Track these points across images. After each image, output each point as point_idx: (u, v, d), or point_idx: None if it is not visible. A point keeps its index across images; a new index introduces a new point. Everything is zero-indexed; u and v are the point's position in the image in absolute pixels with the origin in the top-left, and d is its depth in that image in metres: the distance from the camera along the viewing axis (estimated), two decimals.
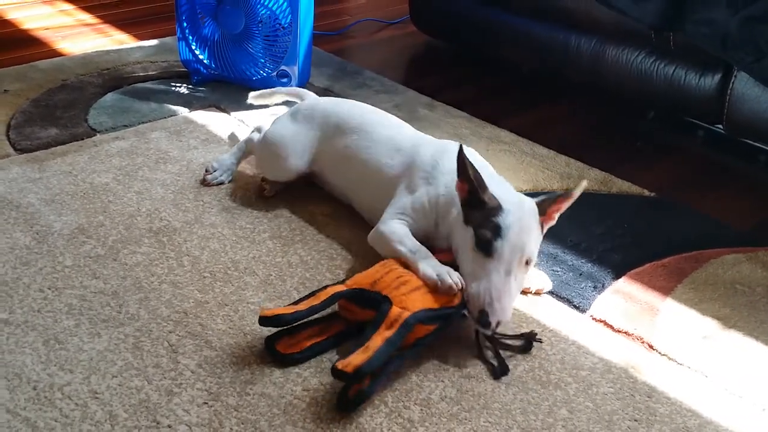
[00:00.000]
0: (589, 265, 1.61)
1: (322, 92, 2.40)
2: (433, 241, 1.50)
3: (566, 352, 1.36)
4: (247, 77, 2.36)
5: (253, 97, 2.06)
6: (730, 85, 2.03)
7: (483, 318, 1.28)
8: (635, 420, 1.23)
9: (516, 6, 2.51)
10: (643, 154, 2.18)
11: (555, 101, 2.53)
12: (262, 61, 2.32)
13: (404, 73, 2.76)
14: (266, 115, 2.24)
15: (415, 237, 1.48)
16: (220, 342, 1.35)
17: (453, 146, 1.53)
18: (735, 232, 1.76)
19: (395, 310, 1.28)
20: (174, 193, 1.81)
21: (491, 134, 2.18)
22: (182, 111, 2.24)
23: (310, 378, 1.28)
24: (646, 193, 1.90)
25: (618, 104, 2.44)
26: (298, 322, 1.32)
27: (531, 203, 1.39)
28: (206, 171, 1.85)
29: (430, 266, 1.37)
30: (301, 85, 2.36)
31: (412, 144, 1.64)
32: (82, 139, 2.05)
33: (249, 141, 1.90)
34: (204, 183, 1.84)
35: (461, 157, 1.37)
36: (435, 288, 1.33)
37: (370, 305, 1.31)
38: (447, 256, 1.42)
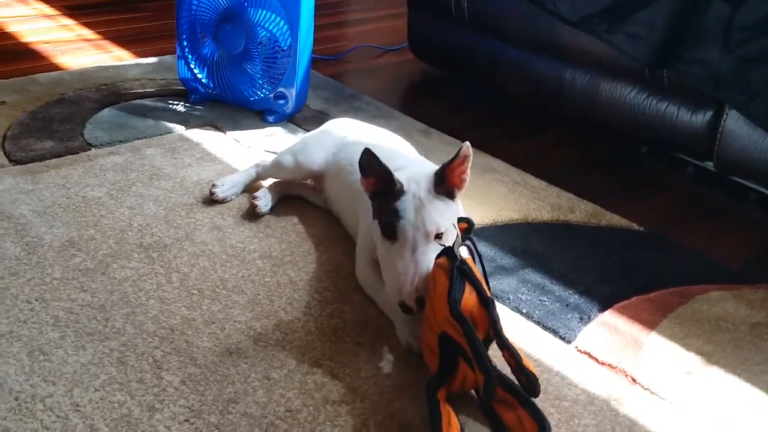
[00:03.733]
0: (576, 296, 1.61)
1: (318, 115, 2.42)
2: None
3: (550, 382, 1.36)
4: (244, 98, 2.38)
5: None
6: (721, 123, 2.05)
7: (404, 308, 1.34)
8: None
9: (513, 38, 2.54)
10: (634, 189, 2.20)
11: (548, 132, 2.55)
12: (260, 82, 2.34)
13: (401, 100, 2.79)
14: (261, 136, 2.26)
15: None
16: (204, 359, 1.35)
17: (401, 162, 1.60)
18: (722, 269, 1.77)
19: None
20: (166, 210, 1.82)
21: (484, 163, 2.20)
22: (178, 129, 2.26)
23: (294, 399, 1.28)
24: (635, 227, 1.92)
25: (611, 138, 2.47)
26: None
27: (429, 178, 1.44)
28: (213, 185, 1.86)
29: (401, 325, 1.44)
30: (298, 106, 2.39)
31: (389, 165, 1.67)
32: (77, 153, 2.06)
33: (258, 167, 1.94)
34: (211, 197, 1.85)
35: (367, 156, 1.43)
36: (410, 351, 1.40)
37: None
38: None
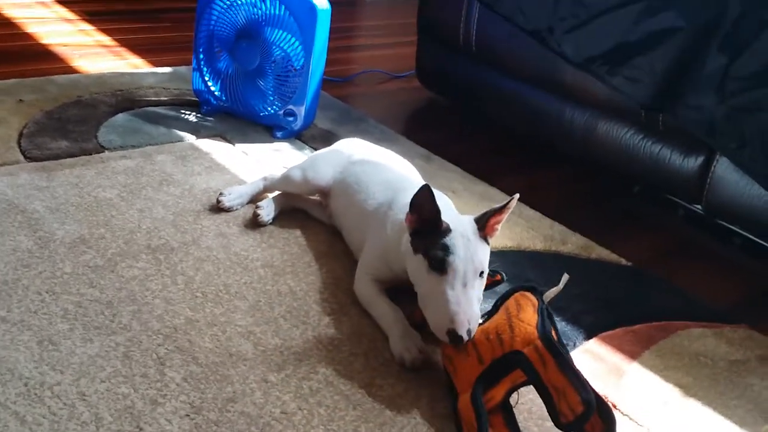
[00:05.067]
0: (563, 323, 1.68)
1: (325, 134, 2.50)
2: (402, 278, 1.57)
3: (534, 402, 1.42)
4: (255, 112, 2.45)
5: None
6: (712, 168, 2.14)
7: (453, 336, 1.36)
8: None
9: (517, 72, 2.63)
10: (625, 226, 2.28)
11: (546, 167, 2.64)
12: (271, 98, 2.42)
13: (405, 125, 2.87)
14: (269, 150, 2.33)
15: (387, 281, 1.64)
16: (206, 359, 1.41)
17: (407, 185, 1.67)
18: (704, 308, 1.84)
19: (463, 398, 1.33)
20: (174, 215, 1.89)
21: (482, 191, 2.28)
22: (189, 138, 2.33)
23: (289, 402, 1.34)
24: (624, 262, 1.99)
25: (606, 176, 2.55)
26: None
27: (470, 221, 1.49)
28: (220, 194, 1.93)
29: (396, 340, 1.50)
30: (306, 124, 2.46)
31: (394, 187, 1.74)
32: (91, 154, 2.13)
33: (266, 180, 2.01)
34: (217, 204, 1.93)
35: (426, 193, 1.44)
36: (402, 366, 1.47)
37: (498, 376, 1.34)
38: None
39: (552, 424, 1.26)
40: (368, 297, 1.63)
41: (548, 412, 1.25)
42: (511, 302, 1.41)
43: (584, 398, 1.21)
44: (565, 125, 2.50)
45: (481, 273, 1.44)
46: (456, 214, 1.58)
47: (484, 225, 1.49)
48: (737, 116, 2.04)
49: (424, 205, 1.46)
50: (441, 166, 2.42)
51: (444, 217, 1.47)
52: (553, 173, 2.59)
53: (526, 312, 1.36)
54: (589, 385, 1.24)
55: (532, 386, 1.30)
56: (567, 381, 1.24)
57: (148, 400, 1.30)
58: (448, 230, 1.45)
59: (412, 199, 1.47)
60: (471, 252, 1.43)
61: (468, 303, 1.39)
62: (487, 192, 2.27)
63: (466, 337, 1.36)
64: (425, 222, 1.47)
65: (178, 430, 1.25)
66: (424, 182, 1.84)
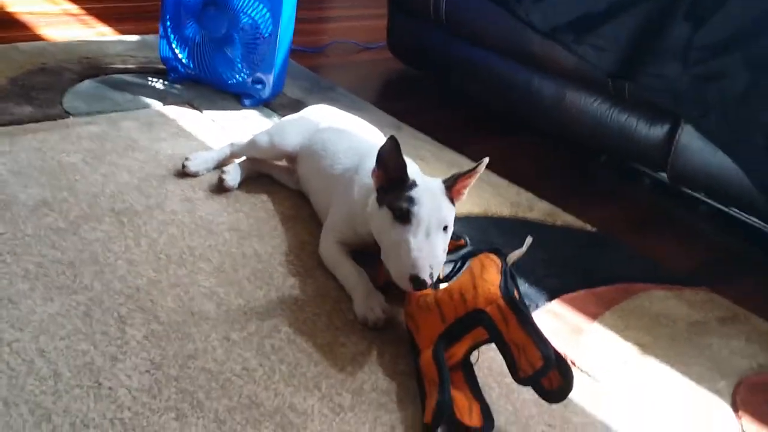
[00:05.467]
0: (527, 285, 1.70)
1: (294, 103, 2.49)
2: (368, 241, 1.58)
3: (494, 360, 1.44)
4: (223, 80, 2.43)
5: None
6: (676, 136, 2.16)
7: (415, 281, 1.36)
8: (549, 425, 1.32)
9: (487, 43, 2.63)
10: (592, 194, 2.30)
11: (515, 135, 2.65)
12: (240, 66, 2.40)
13: (375, 95, 2.87)
14: (237, 118, 2.32)
15: (351, 245, 1.64)
16: (168, 318, 1.41)
17: (373, 151, 1.64)
18: (667, 272, 1.87)
19: (425, 355, 1.34)
20: (139, 180, 1.87)
21: (451, 159, 2.28)
22: (156, 104, 2.31)
23: (251, 359, 1.35)
24: (589, 228, 2.01)
25: (574, 145, 2.57)
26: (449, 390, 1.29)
27: (438, 182, 1.51)
28: (186, 159, 1.92)
29: (359, 300, 1.51)
30: (274, 93, 2.45)
31: (360, 152, 1.75)
32: (55, 120, 2.10)
33: (233, 146, 1.99)
34: (183, 170, 1.91)
35: (395, 147, 1.45)
36: (365, 325, 1.48)
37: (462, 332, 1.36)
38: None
39: (512, 379, 1.28)
40: (333, 259, 1.63)
41: (508, 367, 1.27)
42: (475, 263, 1.42)
43: (544, 353, 1.22)
44: (534, 95, 2.51)
45: (445, 228, 1.45)
46: (423, 176, 1.58)
47: (451, 186, 1.50)
48: (700, 84, 2.06)
49: (389, 158, 1.47)
50: (411, 135, 2.42)
51: (411, 176, 1.48)
52: (522, 142, 2.60)
53: (490, 272, 1.38)
54: (549, 342, 1.26)
55: (492, 344, 1.32)
56: (527, 337, 1.25)
57: (108, 357, 1.29)
58: (414, 184, 1.46)
59: (379, 152, 1.48)
60: (436, 205, 1.44)
61: (431, 249, 1.40)
62: (456, 160, 2.28)
63: (428, 281, 1.36)
64: (391, 179, 1.48)
65: (137, 385, 1.24)
66: None
